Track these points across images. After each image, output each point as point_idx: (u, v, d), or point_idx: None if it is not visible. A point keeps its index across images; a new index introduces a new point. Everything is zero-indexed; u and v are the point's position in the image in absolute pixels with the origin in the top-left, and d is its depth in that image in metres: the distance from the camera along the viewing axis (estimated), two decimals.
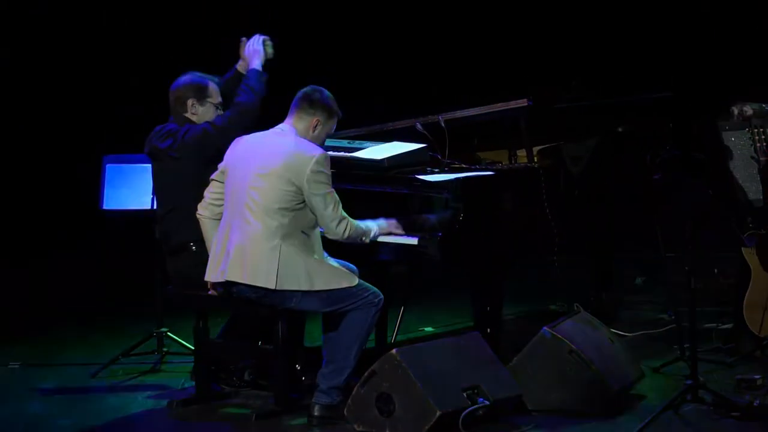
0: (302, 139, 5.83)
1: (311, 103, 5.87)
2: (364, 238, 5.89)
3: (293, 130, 5.86)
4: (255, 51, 6.47)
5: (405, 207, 6.22)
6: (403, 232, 6.10)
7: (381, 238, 6.11)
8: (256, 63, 6.43)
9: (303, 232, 5.77)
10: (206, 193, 6.00)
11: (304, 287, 5.72)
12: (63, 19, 9.60)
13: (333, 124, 5.96)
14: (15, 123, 9.67)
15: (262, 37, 6.50)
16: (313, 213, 5.76)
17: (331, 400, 5.78)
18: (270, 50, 6.51)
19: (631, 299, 8.19)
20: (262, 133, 5.97)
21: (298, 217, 5.75)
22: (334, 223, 5.75)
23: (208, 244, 5.98)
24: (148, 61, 9.44)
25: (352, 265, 6.01)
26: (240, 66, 6.55)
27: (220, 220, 5.94)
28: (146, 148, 6.37)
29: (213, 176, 5.99)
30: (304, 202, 5.74)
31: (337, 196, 5.78)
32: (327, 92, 5.93)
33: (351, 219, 5.81)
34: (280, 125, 5.92)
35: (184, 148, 6.21)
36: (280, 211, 5.72)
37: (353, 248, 6.03)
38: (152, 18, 9.66)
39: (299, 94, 5.93)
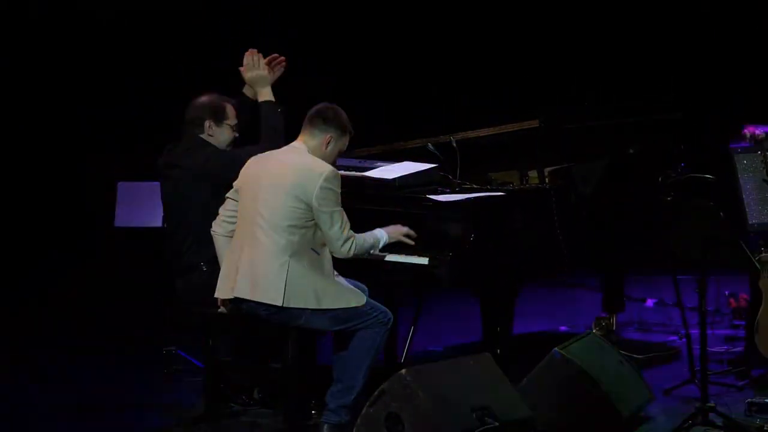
0: (312, 157, 5.83)
1: (325, 120, 5.87)
2: (372, 251, 5.88)
3: (305, 148, 5.86)
4: (259, 77, 6.39)
5: (416, 227, 6.20)
6: (411, 241, 6.05)
7: (392, 258, 6.12)
8: (266, 92, 6.36)
9: (313, 249, 5.77)
10: (221, 210, 6.02)
11: (312, 305, 5.71)
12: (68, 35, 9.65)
13: (346, 142, 5.96)
14: (28, 140, 9.71)
15: (272, 57, 6.43)
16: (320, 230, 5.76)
17: (339, 420, 5.77)
18: (277, 71, 6.46)
19: (642, 321, 8.17)
20: (275, 150, 5.98)
21: (308, 234, 5.75)
22: (339, 243, 5.73)
23: (221, 260, 5.98)
24: (162, 80, 9.47)
25: (361, 285, 6.01)
26: (246, 90, 6.51)
27: (231, 237, 5.95)
28: (163, 160, 6.34)
29: (228, 194, 6.00)
30: (314, 219, 5.74)
31: (345, 215, 5.77)
32: (340, 109, 5.93)
33: (357, 236, 5.80)
34: (293, 143, 5.93)
35: (207, 169, 6.18)
36: (290, 228, 5.72)
37: (363, 267, 6.03)
38: (163, 34, 9.69)
39: (312, 111, 5.92)
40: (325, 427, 5.78)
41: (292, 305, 5.68)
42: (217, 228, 6.02)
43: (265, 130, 6.26)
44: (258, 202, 5.78)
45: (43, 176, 9.79)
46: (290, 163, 5.80)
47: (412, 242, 6.04)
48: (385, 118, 9.33)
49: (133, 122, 9.50)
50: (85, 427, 6.36)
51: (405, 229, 6.02)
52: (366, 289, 5.99)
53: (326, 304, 5.71)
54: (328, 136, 5.86)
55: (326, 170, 5.72)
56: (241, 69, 6.45)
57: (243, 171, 5.94)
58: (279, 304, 5.67)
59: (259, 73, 6.39)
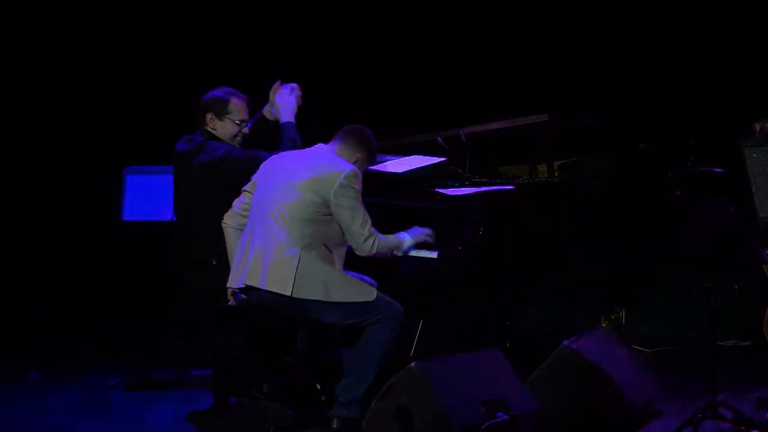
0: (338, 156, 5.88)
1: (359, 140, 5.93)
2: (395, 252, 5.90)
3: (333, 151, 5.89)
4: (287, 102, 6.41)
5: (425, 221, 6.21)
6: (431, 241, 6.07)
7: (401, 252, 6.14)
8: (290, 115, 6.38)
9: (326, 245, 5.79)
10: (235, 203, 6.03)
11: (321, 297, 5.72)
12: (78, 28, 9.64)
13: (367, 167, 6.01)
14: (36, 132, 9.71)
15: (293, 86, 6.44)
16: (341, 227, 5.77)
17: (350, 414, 5.78)
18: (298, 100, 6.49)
19: (651, 315, 8.17)
20: (301, 150, 6.02)
21: (322, 229, 5.77)
22: (362, 239, 5.76)
23: (230, 252, 5.99)
24: (169, 72, 9.47)
25: (370, 279, 6.01)
26: (266, 111, 6.51)
27: (241, 230, 5.96)
28: (178, 149, 6.35)
29: (245, 187, 6.01)
30: (330, 215, 5.75)
31: (366, 213, 5.77)
32: (373, 136, 5.98)
33: (380, 235, 5.82)
34: (321, 145, 5.96)
35: (223, 163, 6.18)
36: (304, 221, 5.75)
37: (373, 261, 6.04)
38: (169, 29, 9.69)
39: (349, 127, 5.98)
40: (336, 420, 5.79)
41: (301, 296, 5.70)
42: (229, 220, 6.03)
43: (283, 141, 6.28)
44: (275, 193, 5.81)
45: (47, 169, 9.79)
46: (313, 160, 5.85)
47: (432, 242, 6.06)
48: (395, 112, 9.32)
49: (138, 115, 9.50)
50: (94, 420, 6.37)
51: (428, 231, 6.05)
52: (375, 284, 5.99)
53: (336, 298, 5.72)
54: (357, 155, 5.91)
55: (348, 168, 5.76)
56: (272, 92, 6.46)
57: (264, 165, 5.97)
58: (287, 293, 5.68)
59: (290, 102, 6.42)
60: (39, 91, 9.66)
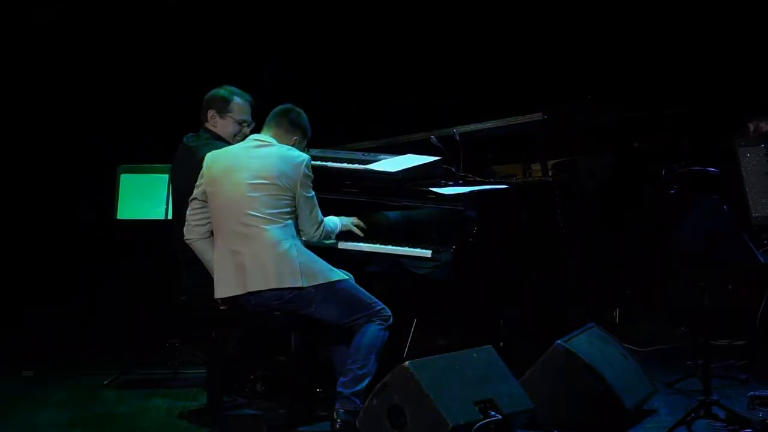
0: (287, 146, 5.97)
1: (292, 123, 6.03)
2: (331, 235, 6.09)
3: (275, 141, 5.97)
4: None
5: (419, 219, 6.21)
6: (360, 232, 6.21)
7: (395, 251, 6.14)
8: None
9: (297, 234, 5.91)
10: (188, 216, 6.02)
11: (328, 279, 5.80)
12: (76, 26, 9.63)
13: (304, 146, 6.10)
14: (30, 131, 9.70)
15: None
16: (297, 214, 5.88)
17: (354, 407, 5.76)
18: None
19: (645, 314, 8.16)
20: (238, 146, 6.06)
21: (294, 220, 5.88)
22: (314, 227, 5.93)
23: (207, 264, 5.97)
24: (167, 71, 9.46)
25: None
26: None
27: (208, 238, 5.98)
28: (187, 142, 6.36)
29: (195, 197, 6.00)
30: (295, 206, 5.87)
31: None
32: (304, 113, 6.06)
33: (325, 219, 5.99)
34: (259, 136, 6.01)
35: None
36: (281, 215, 5.83)
37: (366, 258, 6.07)
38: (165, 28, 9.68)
39: (278, 110, 6.07)
40: (342, 413, 5.77)
41: (311, 283, 5.77)
42: (191, 234, 6.02)
43: None
44: (244, 196, 5.84)
45: (44, 168, 9.77)
46: (269, 155, 5.90)
47: (361, 233, 6.21)
48: (388, 110, 9.31)
49: (133, 114, 9.48)
50: (88, 418, 6.37)
51: (356, 220, 6.24)
52: (351, 276, 6.02)
53: (336, 277, 5.84)
54: (294, 138, 6.02)
55: (305, 157, 5.91)
56: None
57: (209, 171, 5.96)
58: (299, 285, 5.75)
59: None
60: (37, 91, 9.65)
